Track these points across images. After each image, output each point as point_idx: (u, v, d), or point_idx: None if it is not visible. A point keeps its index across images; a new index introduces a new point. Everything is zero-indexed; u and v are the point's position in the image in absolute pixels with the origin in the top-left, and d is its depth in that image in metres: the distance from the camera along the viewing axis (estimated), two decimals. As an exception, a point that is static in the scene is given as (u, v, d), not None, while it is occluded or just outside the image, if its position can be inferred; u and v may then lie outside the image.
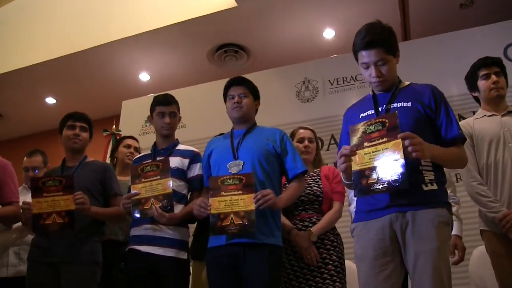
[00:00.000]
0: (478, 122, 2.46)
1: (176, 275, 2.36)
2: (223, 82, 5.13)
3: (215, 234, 2.13)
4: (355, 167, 1.70)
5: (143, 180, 2.36)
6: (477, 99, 2.59)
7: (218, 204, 2.10)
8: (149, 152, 2.65)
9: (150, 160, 2.50)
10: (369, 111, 1.91)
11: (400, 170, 1.58)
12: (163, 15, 5.24)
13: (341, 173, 1.93)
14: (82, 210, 2.41)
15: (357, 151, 1.70)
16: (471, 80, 2.56)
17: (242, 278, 2.09)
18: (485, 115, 2.48)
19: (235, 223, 2.04)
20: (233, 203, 2.07)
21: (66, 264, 2.41)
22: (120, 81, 6.23)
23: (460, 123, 2.50)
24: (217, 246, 2.16)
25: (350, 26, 5.23)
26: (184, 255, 2.41)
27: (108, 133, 4.82)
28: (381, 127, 1.66)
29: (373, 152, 1.66)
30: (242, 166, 2.23)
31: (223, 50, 5.64)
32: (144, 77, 6.25)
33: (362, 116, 1.92)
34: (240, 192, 2.08)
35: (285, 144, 2.33)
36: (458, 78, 3.68)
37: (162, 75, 6.17)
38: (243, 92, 2.40)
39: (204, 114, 4.60)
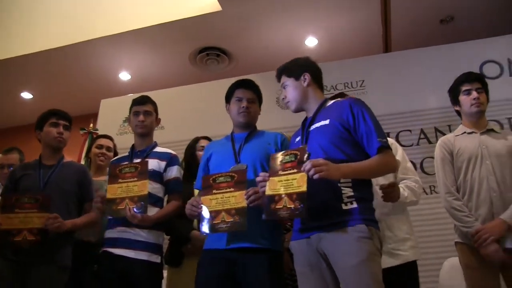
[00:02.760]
0: (458, 139, 2.52)
1: (148, 278, 2.34)
2: (203, 85, 5.14)
3: (208, 233, 2.06)
4: (268, 191, 1.80)
5: (120, 180, 2.34)
6: (458, 113, 2.65)
7: (209, 202, 2.05)
8: (126, 153, 2.64)
9: (128, 162, 2.50)
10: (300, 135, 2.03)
11: (301, 200, 1.68)
12: (147, 16, 5.21)
13: None
14: (57, 231, 2.38)
15: (271, 178, 1.81)
16: (453, 94, 2.62)
17: (242, 284, 2.02)
18: (465, 132, 2.54)
19: (226, 220, 1.98)
20: (225, 201, 2.02)
21: (35, 265, 2.36)
22: (99, 79, 6.16)
23: (441, 139, 2.60)
24: (215, 249, 2.09)
25: (332, 35, 5.33)
26: (157, 259, 2.39)
27: (85, 131, 4.76)
28: (293, 159, 1.78)
29: (284, 180, 1.76)
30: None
31: (205, 53, 5.63)
32: (125, 76, 6.19)
33: (297, 140, 2.04)
34: (231, 189, 2.02)
35: (286, 148, 2.27)
36: (436, 91, 3.80)
37: (142, 75, 6.12)
38: (252, 97, 2.34)
39: (183, 116, 4.58)
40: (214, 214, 2.01)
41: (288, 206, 1.70)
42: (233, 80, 2.45)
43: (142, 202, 2.27)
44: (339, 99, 2.05)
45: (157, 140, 2.71)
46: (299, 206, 1.67)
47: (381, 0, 4.74)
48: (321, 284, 1.77)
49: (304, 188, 1.68)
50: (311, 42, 5.45)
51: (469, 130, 2.53)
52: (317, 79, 2.10)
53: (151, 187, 2.36)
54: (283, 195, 1.74)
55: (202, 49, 5.61)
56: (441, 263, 2.99)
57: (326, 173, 1.65)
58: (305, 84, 2.06)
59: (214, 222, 2.00)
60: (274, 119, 4.23)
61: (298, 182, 1.71)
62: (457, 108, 2.62)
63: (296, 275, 2.34)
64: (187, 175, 2.73)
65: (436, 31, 5.18)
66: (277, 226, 2.17)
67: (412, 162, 2.54)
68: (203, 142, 2.99)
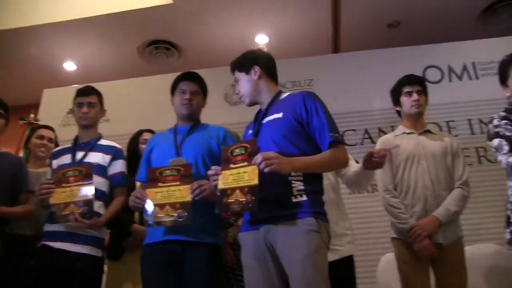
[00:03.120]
0: (397, 139, 2.61)
1: (90, 273, 2.29)
2: (151, 78, 5.04)
3: (151, 227, 2.03)
4: (221, 185, 1.78)
5: (63, 185, 2.27)
6: (399, 113, 2.75)
7: (154, 195, 2.01)
8: (69, 145, 2.55)
9: (71, 161, 2.43)
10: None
11: (253, 193, 1.68)
12: (96, 4, 5.02)
13: None
14: None
15: (223, 171, 1.80)
16: (395, 95, 2.71)
17: (181, 278, 2.01)
18: (404, 132, 2.64)
19: (170, 214, 1.96)
20: (170, 194, 1.99)
21: None
22: (43, 68, 5.86)
23: (381, 139, 2.70)
24: (154, 243, 2.08)
25: (283, 34, 5.37)
26: (99, 253, 2.34)
27: (25, 121, 4.56)
28: (244, 152, 1.77)
29: (236, 174, 1.75)
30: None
31: (154, 46, 5.53)
32: (70, 66, 5.96)
33: (249, 133, 2.03)
34: (177, 183, 2.01)
35: (227, 142, 2.27)
36: (380, 93, 3.90)
37: (89, 66, 5.91)
38: (196, 89, 2.33)
39: (129, 109, 4.48)
40: (158, 207, 1.98)
41: (240, 199, 1.69)
42: (181, 75, 2.42)
43: (88, 207, 2.21)
44: (292, 92, 2.06)
45: (102, 132, 2.64)
46: (251, 199, 1.67)
47: (332, 2, 4.83)
48: (266, 276, 1.77)
49: (255, 181, 1.68)
50: (261, 39, 5.46)
51: (408, 131, 2.64)
52: (269, 71, 2.09)
53: (94, 181, 2.29)
54: (235, 189, 1.72)
55: (151, 42, 5.50)
56: (378, 259, 3.11)
57: (277, 167, 1.65)
58: (256, 77, 2.05)
59: (158, 215, 1.97)
60: (222, 115, 4.23)
61: (249, 175, 1.70)
62: (398, 109, 2.72)
63: (238, 269, 2.35)
64: (129, 168, 2.68)
65: (384, 35, 5.33)
66: (217, 220, 2.17)
67: (356, 161, 2.62)
68: (146, 135, 2.95)
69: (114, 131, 3.86)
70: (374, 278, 3.08)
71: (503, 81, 2.32)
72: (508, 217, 2.22)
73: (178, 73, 2.44)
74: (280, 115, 1.90)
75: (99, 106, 2.60)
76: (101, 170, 2.42)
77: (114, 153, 2.50)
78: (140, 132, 3.02)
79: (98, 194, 2.35)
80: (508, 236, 2.23)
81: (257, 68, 2.05)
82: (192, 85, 2.34)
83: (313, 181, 1.84)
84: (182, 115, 2.33)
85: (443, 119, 4.00)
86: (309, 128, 1.86)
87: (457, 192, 2.45)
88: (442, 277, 2.39)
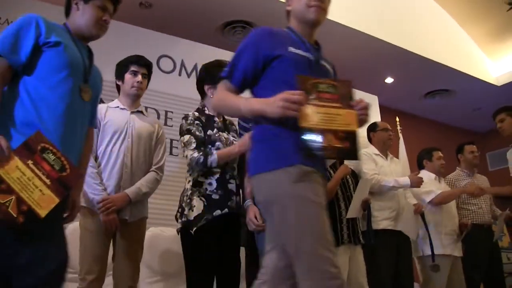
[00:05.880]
0: (111, 111, 2.65)
1: None
2: None
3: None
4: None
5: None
6: (118, 88, 2.78)
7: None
8: None
9: None
10: None
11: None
12: None
13: None
14: None
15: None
16: (120, 70, 2.74)
17: None
18: (118, 106, 2.70)
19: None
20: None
21: None
22: None
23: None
24: None
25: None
26: None
27: None
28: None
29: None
30: None
31: None
32: None
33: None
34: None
35: None
36: (111, 65, 3.89)
37: None
38: None
39: None
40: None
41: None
42: None
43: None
44: None
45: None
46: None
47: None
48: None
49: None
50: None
51: (122, 106, 2.70)
52: None
53: None
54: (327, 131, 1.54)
55: None
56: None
57: None
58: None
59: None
60: None
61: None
62: (119, 83, 2.75)
63: None
64: None
65: (135, 12, 5.28)
66: None
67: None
68: None
69: None
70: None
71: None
72: (183, 209, 2.50)
73: None
74: None
75: None
76: None
77: None
78: None
79: None
80: (179, 225, 2.53)
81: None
82: None
83: None
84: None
85: (164, 108, 4.23)
86: None
87: (151, 175, 2.62)
88: (120, 250, 2.52)
